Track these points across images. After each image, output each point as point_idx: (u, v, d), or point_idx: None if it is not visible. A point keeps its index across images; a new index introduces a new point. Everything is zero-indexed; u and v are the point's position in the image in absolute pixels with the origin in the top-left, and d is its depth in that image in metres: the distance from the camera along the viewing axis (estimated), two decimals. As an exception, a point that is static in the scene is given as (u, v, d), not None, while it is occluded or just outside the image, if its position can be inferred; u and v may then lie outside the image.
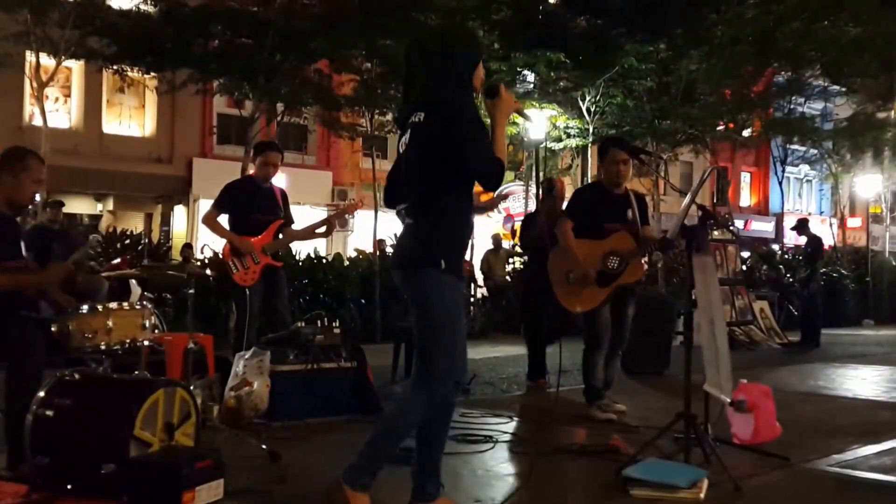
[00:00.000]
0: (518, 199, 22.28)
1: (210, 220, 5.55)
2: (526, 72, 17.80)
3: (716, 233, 10.10)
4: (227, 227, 5.58)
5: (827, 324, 11.95)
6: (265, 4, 12.25)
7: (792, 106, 21.75)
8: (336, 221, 5.78)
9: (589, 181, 18.68)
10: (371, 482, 2.92)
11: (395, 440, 2.94)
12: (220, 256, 5.69)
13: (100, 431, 3.16)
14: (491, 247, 14.90)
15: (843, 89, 21.49)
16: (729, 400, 4.06)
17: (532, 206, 18.09)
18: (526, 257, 13.47)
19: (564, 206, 5.97)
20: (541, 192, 7.09)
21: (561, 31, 17.09)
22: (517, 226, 20.40)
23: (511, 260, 14.40)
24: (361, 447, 2.93)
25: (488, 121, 3.05)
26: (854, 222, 28.93)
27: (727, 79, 17.63)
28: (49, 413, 3.22)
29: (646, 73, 16.27)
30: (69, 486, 3.07)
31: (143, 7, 12.43)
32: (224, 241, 5.56)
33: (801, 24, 16.15)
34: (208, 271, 7.31)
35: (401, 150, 3.05)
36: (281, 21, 11.70)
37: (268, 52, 11.85)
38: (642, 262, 5.21)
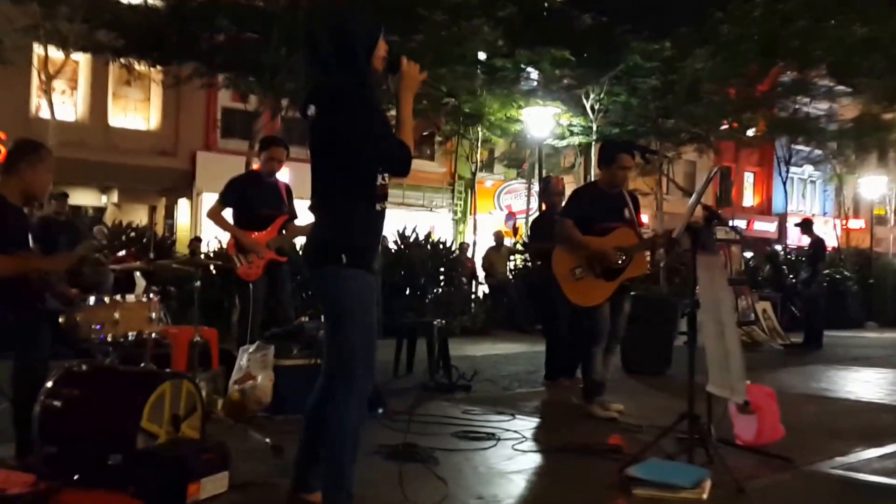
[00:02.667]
0: (520, 196, 22.29)
1: (215, 215, 5.57)
2: (530, 69, 17.79)
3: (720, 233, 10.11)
4: (231, 221, 5.59)
5: (829, 326, 11.94)
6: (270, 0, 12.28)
7: (797, 106, 21.72)
8: None
9: (592, 180, 18.68)
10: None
11: (349, 451, 2.76)
12: (226, 250, 5.71)
13: (107, 422, 3.19)
14: (493, 244, 14.90)
15: (849, 90, 21.45)
16: (743, 400, 4.06)
17: (534, 204, 18.10)
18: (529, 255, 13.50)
19: (563, 206, 5.96)
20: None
21: (566, 28, 17.08)
22: (519, 223, 20.48)
23: (512, 257, 14.40)
24: (326, 482, 2.78)
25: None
26: (857, 223, 28.92)
27: (733, 77, 17.60)
28: (57, 403, 3.24)
29: (650, 71, 16.25)
30: (76, 476, 3.09)
31: (150, 1, 12.45)
32: (228, 235, 5.58)
33: (807, 23, 16.12)
34: (212, 268, 7.30)
35: None
36: (287, 16, 11.71)
37: (273, 47, 11.85)
38: (646, 256, 5.25)
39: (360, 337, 2.78)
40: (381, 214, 2.88)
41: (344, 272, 2.76)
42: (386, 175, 2.86)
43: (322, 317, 5.08)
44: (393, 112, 2.91)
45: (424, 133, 2.99)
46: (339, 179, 2.79)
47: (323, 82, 2.81)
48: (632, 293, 5.56)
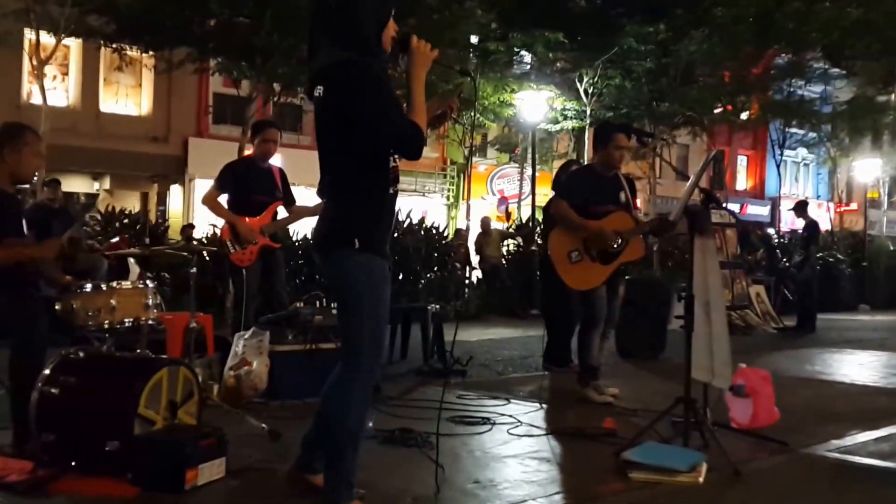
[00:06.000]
0: (513, 181, 22.27)
1: (210, 200, 5.52)
2: (523, 52, 17.71)
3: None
4: (225, 207, 5.56)
5: (823, 309, 11.98)
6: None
7: (791, 89, 21.69)
8: None
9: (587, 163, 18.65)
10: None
11: (351, 439, 2.72)
12: (220, 236, 5.68)
13: (105, 409, 3.19)
14: (480, 231, 14.89)
15: (843, 72, 21.43)
16: (726, 386, 4.06)
17: (527, 189, 18.07)
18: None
19: (559, 188, 5.95)
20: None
21: (559, 10, 17.01)
22: (512, 208, 20.45)
23: (505, 242, 14.39)
24: (326, 468, 2.75)
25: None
26: (851, 206, 28.96)
27: (727, 60, 17.56)
28: (55, 391, 3.24)
29: (645, 54, 16.19)
30: (74, 463, 3.10)
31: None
32: (222, 220, 5.55)
33: (802, 5, 16.09)
34: (205, 254, 7.25)
35: None
36: (279, 1, 11.61)
37: (266, 31, 11.77)
38: (641, 240, 5.25)
39: (369, 324, 2.71)
40: (394, 198, 2.80)
41: (356, 257, 2.68)
42: (396, 157, 2.78)
43: (317, 303, 5.15)
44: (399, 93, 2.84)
45: (437, 113, 2.92)
46: (351, 162, 2.71)
47: (331, 61, 2.70)
48: (626, 277, 5.57)
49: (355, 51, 2.67)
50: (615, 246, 5.09)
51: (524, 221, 15.42)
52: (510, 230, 15.20)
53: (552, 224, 5.65)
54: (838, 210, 25.93)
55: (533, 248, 13.33)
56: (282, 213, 5.73)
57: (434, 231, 12.46)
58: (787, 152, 27.01)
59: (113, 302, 3.57)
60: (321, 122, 2.76)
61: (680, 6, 15.98)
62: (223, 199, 5.58)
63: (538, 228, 13.77)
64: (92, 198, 18.29)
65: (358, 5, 2.68)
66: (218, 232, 7.98)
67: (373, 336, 2.73)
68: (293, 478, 2.97)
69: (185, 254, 4.27)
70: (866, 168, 22.63)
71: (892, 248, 19.76)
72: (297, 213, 5.70)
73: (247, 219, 5.46)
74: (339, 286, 2.77)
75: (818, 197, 32.57)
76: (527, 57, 18.32)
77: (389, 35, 2.74)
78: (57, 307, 3.53)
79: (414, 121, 2.66)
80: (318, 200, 5.82)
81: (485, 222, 14.89)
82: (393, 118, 2.64)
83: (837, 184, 26.28)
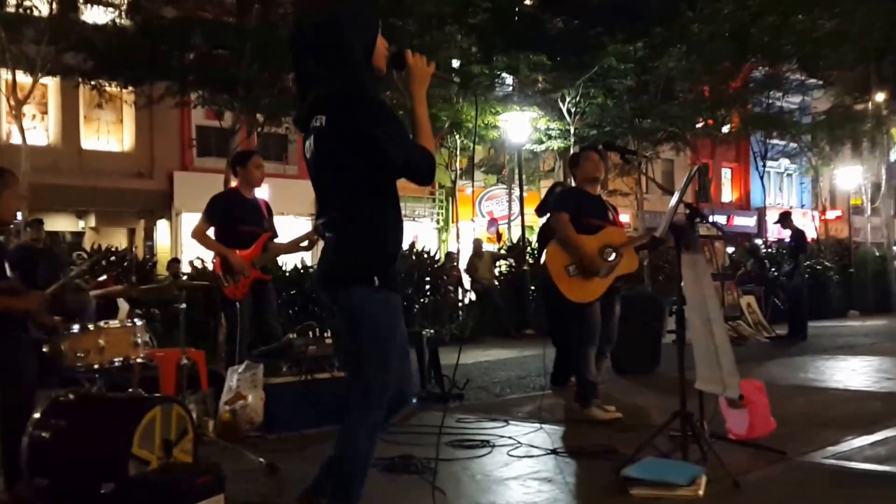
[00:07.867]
0: (501, 202, 22.36)
1: (200, 234, 5.50)
2: (504, 74, 17.85)
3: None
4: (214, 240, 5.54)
5: (812, 316, 12.04)
6: (242, 15, 12.22)
7: (770, 101, 21.97)
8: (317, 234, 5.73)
9: (571, 183, 18.76)
10: None
11: (357, 475, 2.65)
12: (212, 270, 5.65)
13: (98, 451, 3.14)
14: (472, 253, 14.91)
15: (820, 83, 21.73)
16: (737, 395, 4.06)
17: (516, 209, 18.15)
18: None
19: (555, 202, 5.99)
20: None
21: (538, 32, 17.19)
22: (502, 229, 20.53)
23: (497, 263, 14.42)
24: (331, 497, 2.66)
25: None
26: (834, 214, 29.26)
27: (705, 75, 17.80)
28: (46, 434, 3.20)
29: (625, 72, 16.37)
30: (68, 508, 3.05)
31: (119, 21, 12.36)
32: (213, 255, 5.53)
33: (777, 19, 16.35)
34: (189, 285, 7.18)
35: (307, 157, 2.70)
36: (260, 30, 11.67)
37: (247, 63, 11.80)
38: (635, 252, 5.31)
39: (382, 363, 2.62)
40: (402, 229, 2.73)
41: (375, 295, 2.58)
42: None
43: (311, 333, 5.13)
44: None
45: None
46: (363, 193, 2.58)
47: (333, 88, 2.58)
48: (621, 294, 5.59)
49: (348, 76, 2.58)
50: (610, 259, 5.14)
51: (515, 242, 15.45)
52: (501, 251, 15.24)
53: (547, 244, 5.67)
54: (823, 218, 26.17)
55: (525, 268, 13.36)
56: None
57: (426, 255, 12.47)
58: (769, 163, 27.33)
59: (101, 342, 3.53)
60: (324, 154, 2.62)
61: (657, 24, 16.19)
62: (210, 231, 5.57)
63: (529, 248, 13.84)
64: (77, 237, 18.18)
65: (344, 29, 2.59)
66: (202, 265, 7.98)
67: (383, 372, 2.65)
68: (306, 500, 2.91)
69: (173, 290, 4.23)
70: (848, 176, 22.88)
71: (877, 253, 19.92)
72: (274, 249, 5.67)
73: (238, 252, 5.44)
74: (356, 325, 2.62)
75: (802, 206, 32.87)
76: (508, 79, 18.47)
77: (381, 54, 2.64)
78: (45, 349, 3.49)
79: (423, 145, 2.58)
80: (302, 231, 5.78)
81: (476, 244, 14.93)
82: (405, 144, 2.55)
83: (821, 192, 26.54)
